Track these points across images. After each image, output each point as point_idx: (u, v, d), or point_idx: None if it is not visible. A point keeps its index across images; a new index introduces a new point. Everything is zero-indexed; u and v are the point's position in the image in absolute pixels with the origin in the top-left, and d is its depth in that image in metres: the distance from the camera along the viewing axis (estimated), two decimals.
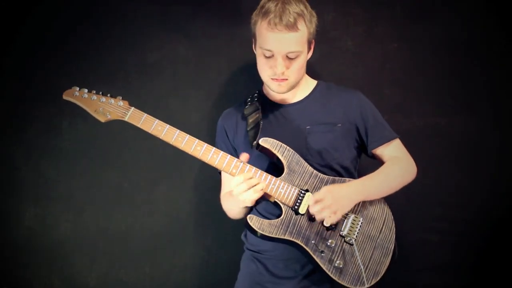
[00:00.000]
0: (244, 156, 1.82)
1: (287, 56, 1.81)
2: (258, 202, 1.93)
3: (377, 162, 2.00)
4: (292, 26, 1.77)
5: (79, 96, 1.84)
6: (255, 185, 1.77)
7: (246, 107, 2.00)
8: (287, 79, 1.85)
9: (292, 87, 1.90)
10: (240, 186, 1.76)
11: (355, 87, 2.05)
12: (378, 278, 1.84)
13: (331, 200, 1.77)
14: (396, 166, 1.95)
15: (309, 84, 2.01)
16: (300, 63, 1.85)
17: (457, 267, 2.39)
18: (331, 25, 2.38)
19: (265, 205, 1.91)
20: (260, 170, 1.83)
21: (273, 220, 1.82)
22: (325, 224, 1.80)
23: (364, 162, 2.06)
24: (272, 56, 1.81)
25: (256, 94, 2.03)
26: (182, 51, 2.43)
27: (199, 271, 2.46)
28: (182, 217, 2.47)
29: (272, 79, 1.86)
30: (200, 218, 2.46)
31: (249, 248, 2.01)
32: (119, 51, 2.43)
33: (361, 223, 1.86)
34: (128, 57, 2.43)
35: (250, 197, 1.77)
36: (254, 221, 1.82)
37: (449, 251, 2.39)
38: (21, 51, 2.43)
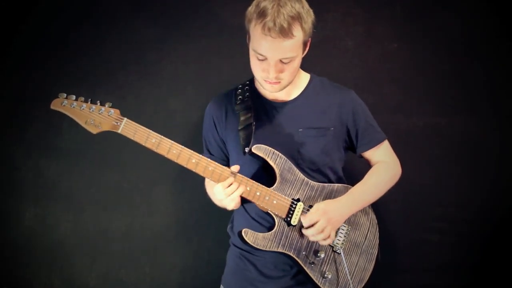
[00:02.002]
0: (235, 168, 1.81)
1: (281, 61, 1.75)
2: (249, 206, 1.93)
3: (365, 162, 2.02)
4: (287, 33, 1.68)
5: (68, 106, 1.74)
6: (233, 193, 1.78)
7: (238, 102, 1.95)
8: (280, 82, 1.81)
9: (286, 87, 1.86)
10: (221, 193, 1.78)
11: (354, 87, 2.04)
12: (363, 284, 1.88)
13: (325, 223, 1.79)
14: (384, 172, 1.96)
15: (302, 80, 1.96)
16: (294, 66, 1.80)
17: (457, 267, 2.39)
18: (331, 25, 2.38)
19: (257, 209, 1.90)
20: (254, 182, 1.82)
21: (266, 234, 1.83)
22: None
23: (357, 164, 2.07)
24: (265, 59, 1.75)
25: (247, 87, 1.98)
26: (182, 51, 2.43)
27: (199, 271, 2.46)
28: (182, 217, 2.47)
29: (265, 80, 1.81)
30: (200, 218, 2.46)
31: (236, 245, 1.99)
32: (119, 51, 2.43)
33: (348, 230, 1.89)
34: (128, 57, 2.43)
35: (230, 204, 1.79)
36: (249, 236, 1.82)
37: (449, 251, 2.39)
38: (21, 51, 2.43)
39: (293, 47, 1.74)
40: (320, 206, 1.82)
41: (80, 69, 2.42)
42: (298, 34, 1.73)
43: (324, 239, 1.80)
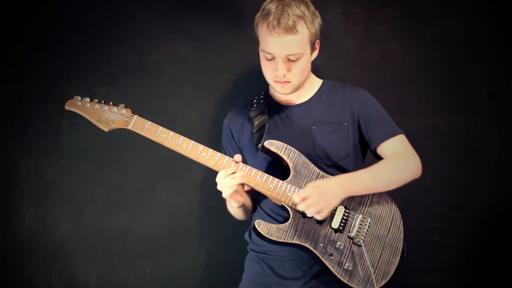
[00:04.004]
0: (237, 156, 1.82)
1: (288, 59, 1.79)
2: (264, 202, 1.94)
3: None
4: (291, 29, 1.75)
5: (81, 106, 1.82)
6: (232, 173, 1.76)
7: (252, 109, 1.99)
8: (290, 82, 1.84)
9: (297, 88, 1.89)
10: (222, 180, 1.77)
11: None
12: (388, 278, 1.82)
13: (317, 198, 1.74)
14: (394, 160, 1.89)
15: (314, 84, 2.00)
16: (302, 65, 1.83)
17: (457, 267, 2.39)
18: (331, 25, 2.38)
19: (272, 206, 1.90)
20: (266, 174, 1.82)
21: (281, 225, 1.81)
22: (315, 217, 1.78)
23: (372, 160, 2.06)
24: (273, 58, 1.80)
25: (262, 96, 2.02)
26: (182, 51, 2.43)
27: (199, 271, 2.46)
28: (182, 217, 2.46)
29: (275, 81, 1.85)
30: (200, 218, 2.46)
31: (253, 249, 1.99)
32: (119, 51, 2.43)
33: (369, 223, 1.84)
34: (128, 57, 2.43)
35: (227, 185, 1.75)
36: (262, 226, 1.80)
37: (449, 251, 2.39)
38: (21, 51, 2.43)
39: (298, 43, 1.78)
40: (312, 183, 1.79)
41: (80, 69, 2.42)
42: (303, 30, 1.78)
43: (317, 213, 1.75)
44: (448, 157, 2.39)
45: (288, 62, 1.80)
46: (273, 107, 1.98)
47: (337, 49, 2.41)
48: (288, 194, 1.81)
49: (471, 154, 2.39)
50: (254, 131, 1.92)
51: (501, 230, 2.37)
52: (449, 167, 2.38)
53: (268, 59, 1.82)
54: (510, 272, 2.36)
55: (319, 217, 1.77)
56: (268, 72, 1.85)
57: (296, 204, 1.77)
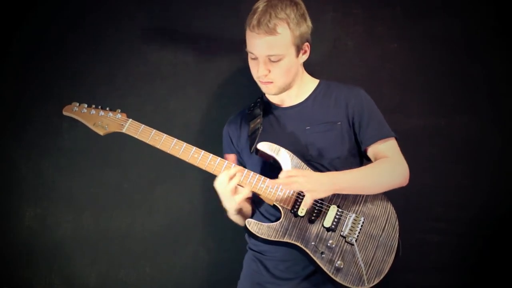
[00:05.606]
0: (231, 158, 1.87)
1: (269, 59, 1.80)
2: (259, 203, 1.94)
3: None
4: (270, 30, 1.76)
5: (78, 111, 1.90)
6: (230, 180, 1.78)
7: (249, 112, 2.01)
8: (272, 82, 1.85)
9: (282, 89, 1.89)
10: (222, 182, 1.79)
11: None
12: (382, 276, 1.82)
13: (304, 179, 1.75)
14: (381, 165, 1.87)
15: (309, 85, 1.99)
16: (285, 66, 1.83)
17: (457, 267, 2.39)
18: (331, 25, 2.38)
19: (266, 206, 1.91)
20: (258, 174, 1.83)
21: (272, 223, 1.82)
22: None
23: None
24: (257, 58, 1.82)
25: (259, 99, 2.03)
26: (182, 51, 2.43)
27: (199, 271, 2.46)
28: (182, 217, 2.47)
29: (260, 81, 1.87)
30: (200, 218, 2.46)
31: (251, 248, 2.01)
32: (119, 51, 2.43)
33: (363, 222, 1.84)
34: (128, 57, 2.43)
35: (228, 188, 1.78)
36: (252, 225, 1.82)
37: (449, 251, 2.39)
38: (21, 51, 2.43)
39: (278, 44, 1.79)
40: (301, 170, 1.81)
41: (79, 69, 2.42)
42: (284, 32, 1.78)
43: (300, 188, 1.76)
44: (448, 157, 2.39)
45: (270, 62, 1.81)
46: (269, 109, 1.99)
47: (337, 49, 2.41)
48: (280, 194, 1.83)
49: (471, 154, 2.39)
50: (249, 134, 1.94)
51: (501, 230, 2.37)
52: (449, 167, 2.38)
53: (252, 59, 1.85)
54: (510, 272, 2.36)
55: (308, 198, 1.75)
56: (254, 72, 1.87)
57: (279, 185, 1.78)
